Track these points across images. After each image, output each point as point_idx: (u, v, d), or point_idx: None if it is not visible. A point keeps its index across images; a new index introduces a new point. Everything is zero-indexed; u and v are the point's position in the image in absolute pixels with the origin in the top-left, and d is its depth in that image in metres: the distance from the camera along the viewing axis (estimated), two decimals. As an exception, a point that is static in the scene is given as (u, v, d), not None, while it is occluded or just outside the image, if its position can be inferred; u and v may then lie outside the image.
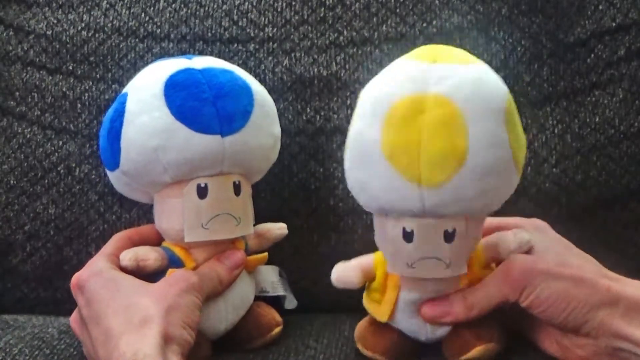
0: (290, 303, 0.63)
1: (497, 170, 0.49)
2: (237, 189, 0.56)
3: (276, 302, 0.62)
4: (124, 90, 0.57)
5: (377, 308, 0.56)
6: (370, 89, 0.52)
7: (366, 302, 0.57)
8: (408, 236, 0.50)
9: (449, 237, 0.50)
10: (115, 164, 0.56)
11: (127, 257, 0.55)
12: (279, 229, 0.61)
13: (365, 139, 0.50)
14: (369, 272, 0.55)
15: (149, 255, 0.56)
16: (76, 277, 0.55)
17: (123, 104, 0.55)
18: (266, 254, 0.60)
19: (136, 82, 0.57)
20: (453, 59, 0.50)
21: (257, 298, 0.60)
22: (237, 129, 0.55)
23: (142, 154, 0.54)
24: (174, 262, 0.56)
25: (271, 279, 0.62)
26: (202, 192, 0.55)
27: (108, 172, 0.58)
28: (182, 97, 0.54)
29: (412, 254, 0.51)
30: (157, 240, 0.59)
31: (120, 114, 0.55)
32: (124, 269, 0.55)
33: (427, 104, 0.48)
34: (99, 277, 0.54)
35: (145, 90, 0.55)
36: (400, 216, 0.50)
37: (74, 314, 0.56)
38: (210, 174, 0.55)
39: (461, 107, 0.48)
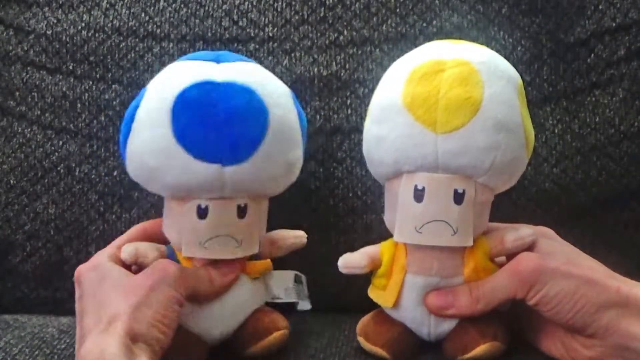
0: (303, 305, 0.61)
1: (507, 128, 0.52)
2: (241, 212, 0.54)
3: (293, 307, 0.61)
4: (146, 87, 0.55)
5: (382, 295, 0.56)
6: (395, 62, 0.56)
7: (371, 291, 0.57)
8: (419, 195, 0.52)
9: (458, 197, 0.52)
10: (125, 167, 0.56)
11: (127, 250, 0.55)
12: (293, 237, 0.60)
13: (386, 96, 0.54)
14: (375, 259, 0.56)
15: (149, 254, 0.55)
16: (77, 270, 0.54)
17: (136, 109, 0.54)
18: (269, 260, 0.59)
19: (156, 83, 0.55)
20: (471, 43, 0.56)
21: (269, 304, 0.59)
22: (242, 159, 0.52)
23: (141, 170, 0.54)
24: (173, 259, 0.56)
25: (285, 285, 0.61)
26: (202, 213, 0.53)
27: None
28: (188, 118, 0.52)
29: (421, 215, 0.52)
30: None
31: (131, 118, 0.54)
32: (118, 259, 0.55)
33: (447, 65, 0.52)
34: (93, 272, 0.53)
35: (156, 101, 0.53)
36: (413, 172, 0.52)
37: None
38: (212, 197, 0.53)
39: (479, 68, 0.52)
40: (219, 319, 0.56)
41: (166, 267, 0.52)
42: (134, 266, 0.56)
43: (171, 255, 0.56)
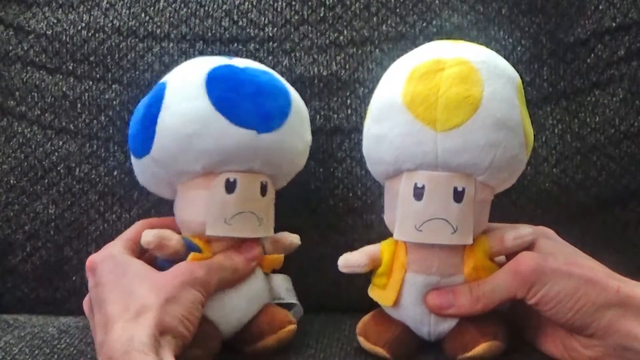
0: (297, 314, 0.62)
1: (507, 126, 0.52)
2: (263, 190, 0.57)
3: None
4: (163, 80, 0.57)
5: (382, 294, 0.56)
6: (395, 61, 0.56)
7: (372, 290, 0.57)
8: (418, 194, 0.52)
9: (458, 195, 0.52)
10: (146, 150, 0.56)
11: (151, 234, 0.55)
12: (292, 237, 0.61)
13: (386, 95, 0.54)
14: (375, 258, 0.56)
15: (172, 237, 0.56)
16: (90, 259, 0.55)
17: (162, 91, 0.56)
18: (282, 256, 0.60)
19: (177, 73, 0.58)
20: (471, 43, 0.56)
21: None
22: (274, 128, 0.56)
23: (177, 140, 0.55)
24: (193, 248, 0.56)
25: (285, 286, 0.62)
26: (230, 186, 0.55)
27: (134, 161, 0.58)
28: (224, 88, 0.55)
29: (421, 213, 0.52)
30: (177, 232, 0.58)
31: (158, 99, 0.56)
32: (144, 247, 0.55)
33: (447, 64, 0.52)
34: (110, 261, 0.54)
35: (186, 80, 0.56)
36: (413, 170, 0.53)
37: (87, 297, 0.56)
38: (240, 170, 0.55)
39: (479, 67, 0.52)
40: (236, 308, 0.57)
41: (194, 270, 0.53)
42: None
43: (190, 244, 0.56)
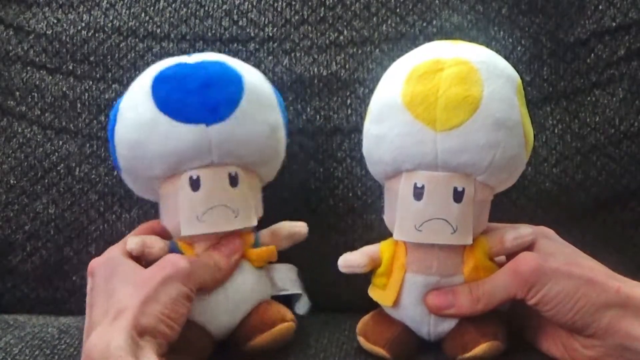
0: (302, 307, 0.61)
1: (506, 125, 0.52)
2: (233, 181, 0.55)
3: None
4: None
5: (382, 293, 0.56)
6: (395, 62, 0.56)
7: (371, 290, 0.57)
8: (418, 193, 0.52)
9: (458, 195, 0.52)
10: (117, 165, 0.57)
11: (135, 241, 0.55)
12: (292, 226, 0.60)
13: (386, 95, 0.54)
14: (375, 258, 0.56)
15: (155, 244, 0.56)
16: (91, 263, 0.55)
17: (119, 103, 0.57)
18: (274, 247, 0.59)
19: (133, 82, 0.57)
20: (471, 43, 0.56)
21: (277, 298, 0.59)
22: (223, 117, 0.54)
23: (128, 148, 0.55)
24: (176, 253, 0.56)
25: (291, 277, 0.61)
26: (194, 184, 0.55)
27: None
28: (168, 89, 0.54)
29: (421, 213, 0.52)
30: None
31: (115, 112, 0.57)
32: (129, 253, 0.55)
33: (447, 64, 0.52)
34: (106, 265, 0.54)
35: (136, 87, 0.56)
36: (412, 170, 0.53)
37: None
38: (201, 166, 0.55)
39: (478, 67, 0.52)
40: (224, 309, 0.56)
41: (176, 262, 0.52)
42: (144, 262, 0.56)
43: (174, 248, 0.56)
